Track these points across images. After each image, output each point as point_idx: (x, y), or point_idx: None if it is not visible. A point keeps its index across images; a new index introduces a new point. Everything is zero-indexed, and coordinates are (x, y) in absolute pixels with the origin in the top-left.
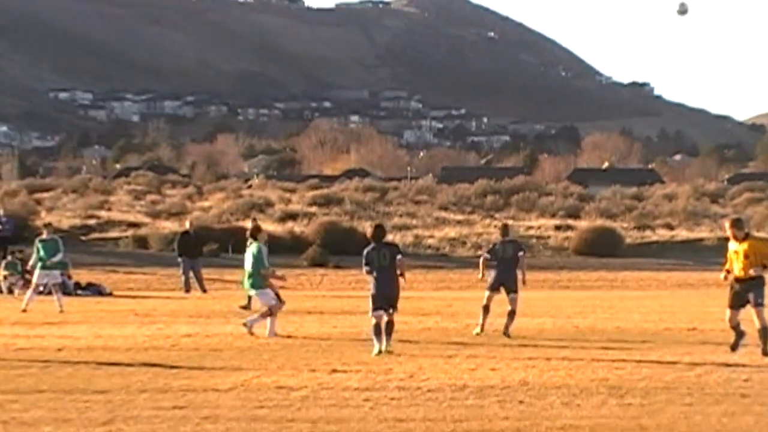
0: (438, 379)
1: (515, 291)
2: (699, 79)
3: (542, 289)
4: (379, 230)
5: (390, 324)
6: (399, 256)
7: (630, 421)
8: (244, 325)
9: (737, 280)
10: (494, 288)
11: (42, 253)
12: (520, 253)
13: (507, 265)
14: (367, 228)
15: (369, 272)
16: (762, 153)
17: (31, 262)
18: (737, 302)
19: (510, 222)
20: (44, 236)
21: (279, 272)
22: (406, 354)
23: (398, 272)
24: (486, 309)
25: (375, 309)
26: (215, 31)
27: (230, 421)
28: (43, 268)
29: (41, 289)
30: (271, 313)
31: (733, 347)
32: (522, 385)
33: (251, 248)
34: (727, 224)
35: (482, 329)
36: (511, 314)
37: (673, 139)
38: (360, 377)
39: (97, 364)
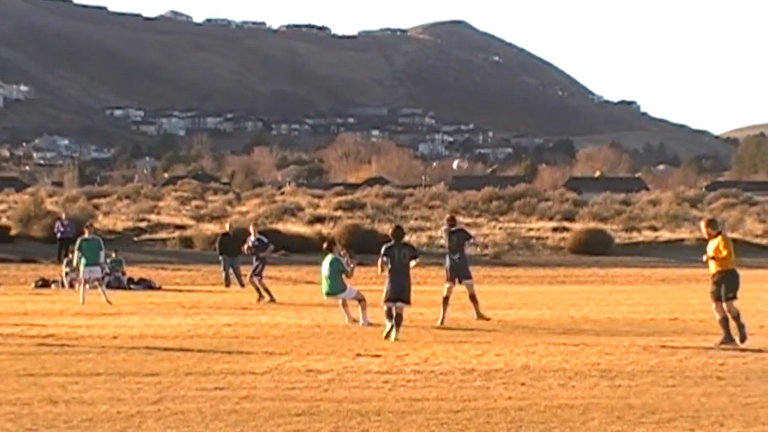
0: (449, 363)
1: (468, 277)
2: (680, 98)
3: (541, 284)
4: (399, 230)
5: (399, 317)
6: (418, 259)
7: (619, 400)
8: (355, 321)
9: (712, 275)
10: (451, 279)
11: (85, 251)
12: (470, 240)
13: (456, 255)
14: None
15: (384, 264)
16: (736, 163)
17: (74, 261)
18: (716, 295)
19: (455, 215)
20: (86, 236)
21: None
22: (420, 341)
23: (413, 264)
24: (446, 301)
25: (386, 301)
26: (252, 56)
27: (265, 401)
28: (87, 265)
29: (95, 284)
30: (363, 299)
31: (722, 343)
32: (523, 368)
33: (327, 259)
34: (702, 223)
35: (442, 322)
36: (472, 298)
37: (657, 151)
38: (380, 362)
39: (148, 349)
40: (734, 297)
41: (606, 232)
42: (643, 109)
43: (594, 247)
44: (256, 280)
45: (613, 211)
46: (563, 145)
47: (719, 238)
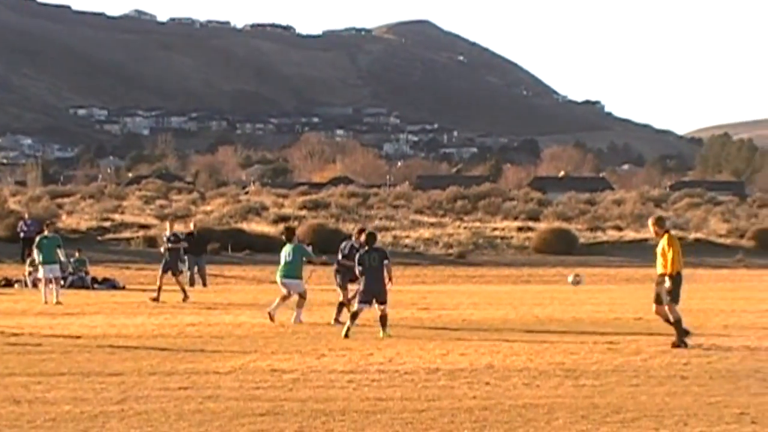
0: (413, 362)
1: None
2: (644, 98)
3: (506, 284)
4: (371, 237)
5: (383, 317)
6: (386, 261)
7: (583, 400)
8: (296, 320)
9: (659, 276)
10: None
11: (44, 249)
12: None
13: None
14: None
15: (361, 273)
16: (700, 163)
17: (36, 259)
18: (659, 299)
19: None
20: (46, 233)
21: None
22: (385, 341)
23: (386, 274)
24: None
25: (360, 302)
26: (217, 55)
27: (229, 401)
28: (45, 263)
29: (62, 282)
30: (305, 297)
31: (677, 344)
32: (488, 368)
33: (289, 246)
34: (650, 221)
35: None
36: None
37: (621, 151)
38: (344, 361)
39: (112, 349)
40: (676, 301)
41: (570, 232)
42: (607, 109)
43: (559, 247)
44: (164, 277)
45: (578, 211)
46: (528, 144)
47: (666, 236)
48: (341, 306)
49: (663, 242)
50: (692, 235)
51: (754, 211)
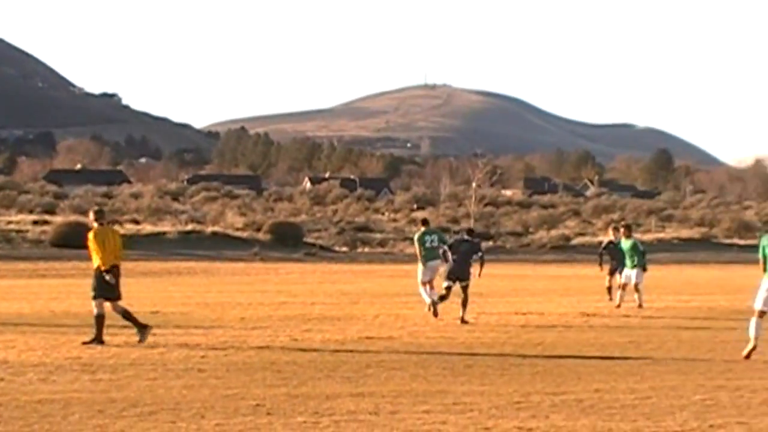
0: None
1: None
2: (162, 91)
3: (21, 278)
4: None
5: None
6: None
7: (101, 394)
8: None
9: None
10: None
11: None
12: None
13: None
14: None
15: None
16: (217, 156)
17: None
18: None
19: None
20: None
21: None
22: None
23: None
24: None
25: None
26: None
27: None
28: None
29: None
30: None
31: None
32: (2, 363)
33: None
34: (90, 213)
35: None
36: None
37: (138, 144)
38: None
39: None
40: (119, 297)
41: (87, 225)
42: (124, 102)
43: (75, 240)
44: None
45: (95, 204)
46: (43, 137)
47: (92, 231)
48: None
49: (90, 236)
50: (209, 229)
51: (270, 204)
